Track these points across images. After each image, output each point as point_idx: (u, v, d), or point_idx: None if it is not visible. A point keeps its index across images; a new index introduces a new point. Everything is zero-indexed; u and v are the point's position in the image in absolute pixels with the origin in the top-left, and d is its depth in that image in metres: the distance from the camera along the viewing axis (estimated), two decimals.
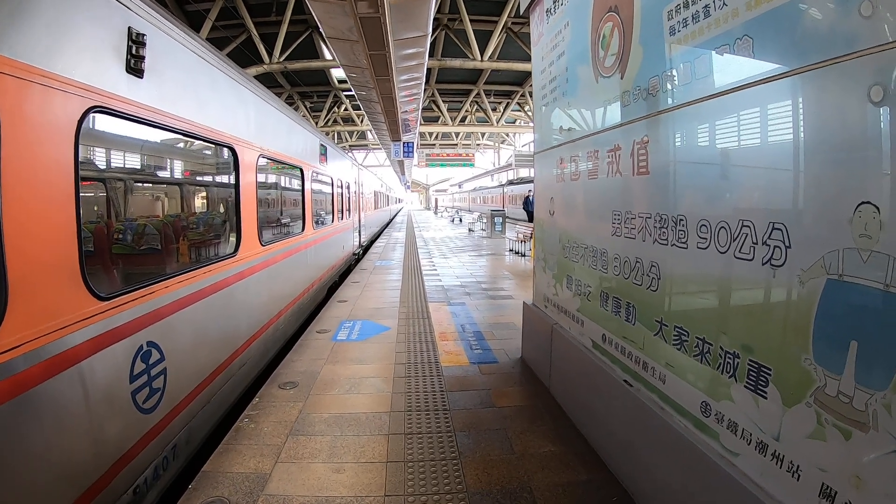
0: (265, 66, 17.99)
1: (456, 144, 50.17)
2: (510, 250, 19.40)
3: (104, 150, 3.64)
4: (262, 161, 6.10)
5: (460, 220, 43.66)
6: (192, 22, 15.66)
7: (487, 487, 3.59)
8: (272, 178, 7.36)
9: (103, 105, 3.00)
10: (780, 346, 2.19)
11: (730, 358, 2.52)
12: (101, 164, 3.66)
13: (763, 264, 2.27)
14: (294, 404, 4.93)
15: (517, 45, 19.06)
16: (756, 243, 2.32)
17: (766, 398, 2.26)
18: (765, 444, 2.26)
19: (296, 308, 7.92)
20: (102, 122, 3.20)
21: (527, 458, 3.98)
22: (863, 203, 1.75)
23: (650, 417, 3.22)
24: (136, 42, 3.27)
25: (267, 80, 22.26)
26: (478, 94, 28.79)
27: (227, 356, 4.87)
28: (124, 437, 3.20)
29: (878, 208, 1.70)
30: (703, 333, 2.75)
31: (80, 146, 2.82)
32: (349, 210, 15.02)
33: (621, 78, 3.62)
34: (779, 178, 2.23)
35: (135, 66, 3.28)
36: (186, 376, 4.04)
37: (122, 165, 3.96)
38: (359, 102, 17.86)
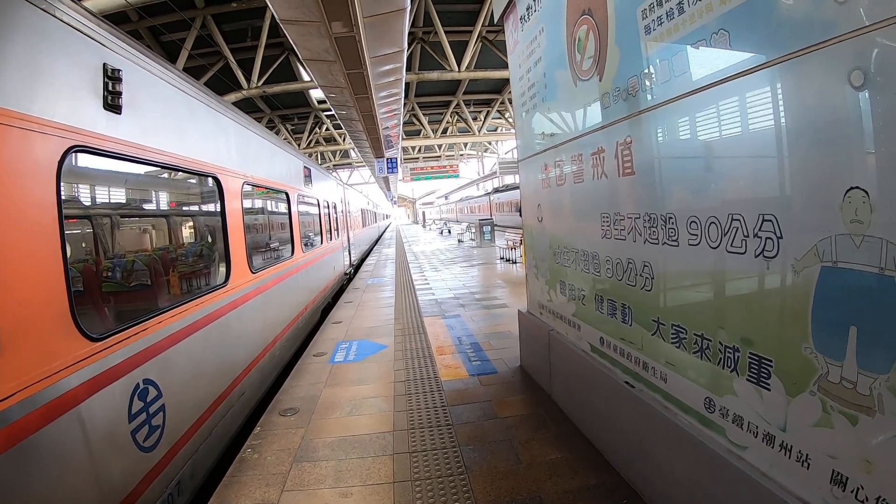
0: (244, 92, 17.96)
1: (439, 156, 50.27)
2: (501, 258, 19.42)
3: (88, 188, 3.60)
4: (247, 188, 6.06)
5: (449, 232, 43.69)
6: (168, 53, 15.64)
7: (497, 500, 3.55)
8: (258, 204, 7.31)
9: (83, 144, 2.97)
10: (779, 336, 2.19)
11: (730, 352, 2.52)
12: (86, 202, 3.62)
13: (756, 257, 2.28)
14: (296, 431, 4.88)
15: (493, 53, 19.18)
16: (747, 236, 2.33)
17: (769, 390, 2.25)
18: (772, 435, 2.26)
19: (291, 333, 7.85)
20: (84, 161, 3.16)
21: (534, 467, 3.95)
22: (852, 188, 1.76)
23: (654, 417, 3.21)
24: (111, 78, 3.25)
25: (246, 106, 22.27)
26: (457, 104, 28.91)
27: (225, 387, 4.81)
28: (127, 477, 3.14)
29: (867, 192, 1.71)
30: (702, 330, 2.74)
31: (63, 186, 2.79)
32: (337, 230, 14.97)
33: (600, 80, 3.64)
34: (765, 169, 2.24)
35: (112, 103, 3.25)
36: (186, 411, 3.98)
37: (106, 202, 3.92)
38: (340, 122, 17.88)
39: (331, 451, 4.41)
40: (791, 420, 2.14)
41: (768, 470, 2.30)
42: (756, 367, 2.33)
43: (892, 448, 1.69)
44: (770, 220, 2.18)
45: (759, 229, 2.24)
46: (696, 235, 2.69)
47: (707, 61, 2.53)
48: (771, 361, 2.24)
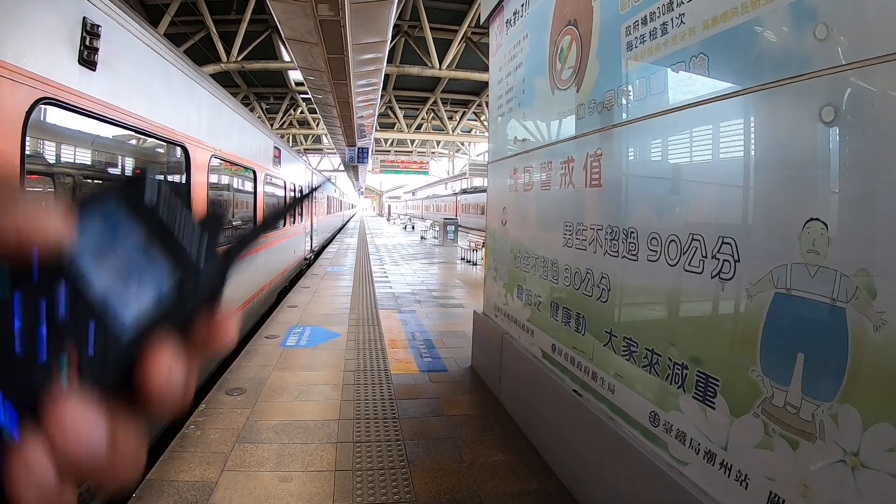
0: (222, 65, 17.60)
1: (411, 152, 50.10)
2: (462, 259, 19.44)
3: (53, 144, 3.47)
4: (215, 162, 5.94)
5: (412, 228, 43.59)
6: (151, 16, 15.22)
7: (437, 497, 3.55)
8: (224, 180, 7.15)
9: (53, 97, 2.86)
10: (728, 357, 2.24)
11: (678, 369, 2.56)
12: (50, 159, 3.49)
13: (712, 277, 2.32)
14: (241, 411, 4.78)
15: (476, 54, 19.22)
16: (706, 257, 2.36)
17: (714, 408, 2.30)
18: (713, 453, 2.30)
19: (245, 312, 7.72)
20: (52, 115, 3.06)
21: (476, 467, 3.96)
22: (811, 220, 1.80)
23: (599, 427, 3.24)
24: (90, 33, 3.14)
25: (223, 80, 21.82)
26: (435, 102, 28.91)
27: None
28: None
29: (826, 225, 1.75)
30: (653, 345, 2.79)
31: (28, 139, 2.68)
32: (301, 215, 14.79)
33: (577, 91, 3.66)
34: (729, 193, 2.28)
35: (88, 58, 3.14)
36: None
37: (71, 161, 3.79)
38: (315, 106, 17.72)
39: (274, 435, 4.34)
40: (733, 439, 2.19)
41: (707, 487, 2.34)
42: (703, 385, 2.37)
43: (830, 474, 1.73)
44: (729, 243, 2.22)
45: (718, 251, 2.28)
46: (656, 252, 2.73)
47: (684, 83, 2.57)
48: (718, 381, 2.28)
